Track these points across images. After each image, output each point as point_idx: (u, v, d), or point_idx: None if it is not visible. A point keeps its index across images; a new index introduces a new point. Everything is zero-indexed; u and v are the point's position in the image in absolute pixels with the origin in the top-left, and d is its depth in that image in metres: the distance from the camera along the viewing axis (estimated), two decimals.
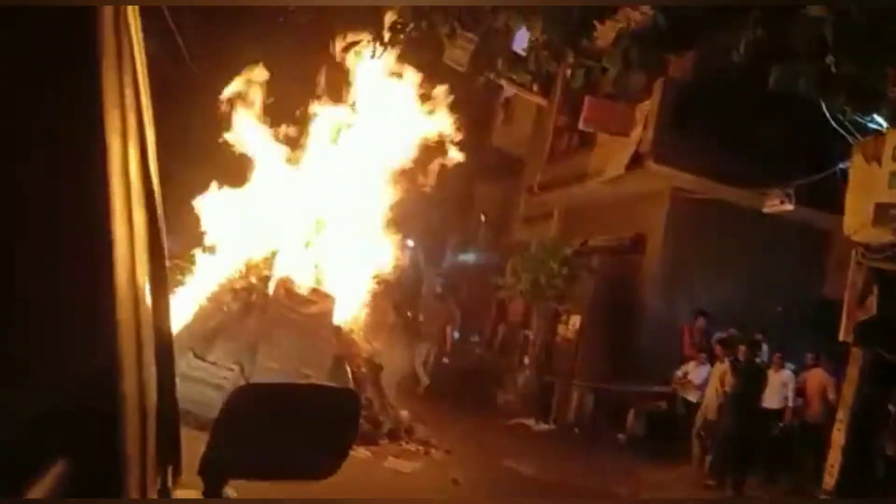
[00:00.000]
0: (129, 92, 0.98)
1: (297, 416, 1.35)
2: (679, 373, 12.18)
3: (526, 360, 13.83)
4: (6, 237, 0.80)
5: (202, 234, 9.65)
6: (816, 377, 10.56)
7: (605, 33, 5.99)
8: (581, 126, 12.80)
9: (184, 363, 8.19)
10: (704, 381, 11.67)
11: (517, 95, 20.39)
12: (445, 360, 15.74)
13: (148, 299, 1.03)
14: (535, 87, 5.50)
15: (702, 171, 12.70)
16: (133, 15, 1.02)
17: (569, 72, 5.63)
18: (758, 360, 10.06)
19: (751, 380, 9.70)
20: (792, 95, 12.37)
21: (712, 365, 11.26)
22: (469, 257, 24.58)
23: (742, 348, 9.92)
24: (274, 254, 9.55)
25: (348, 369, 9.31)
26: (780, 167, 12.30)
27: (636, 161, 12.91)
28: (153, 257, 1.07)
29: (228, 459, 1.30)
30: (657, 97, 12.65)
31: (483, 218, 24.72)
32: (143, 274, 0.99)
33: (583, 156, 15.05)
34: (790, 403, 10.36)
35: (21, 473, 0.77)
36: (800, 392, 10.97)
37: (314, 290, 9.44)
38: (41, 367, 0.83)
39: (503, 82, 8.50)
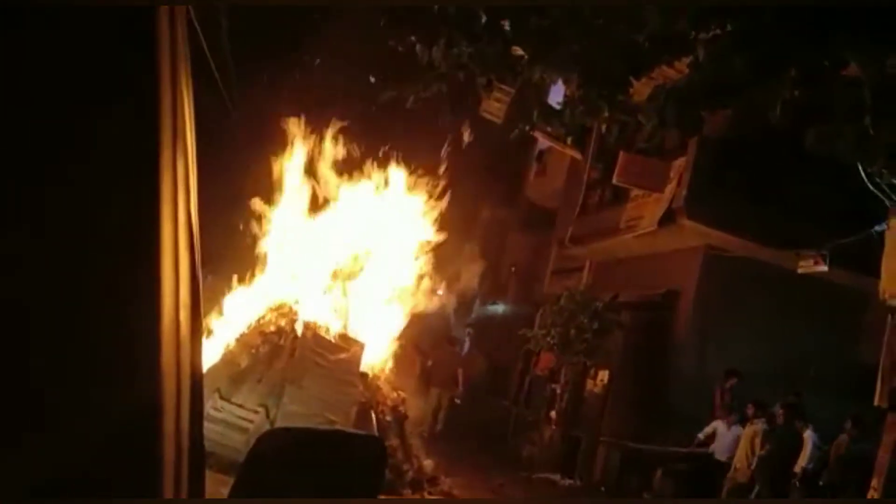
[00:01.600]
0: (180, 120, 1.00)
1: (323, 461, 1.36)
2: (701, 435, 11.98)
3: (553, 414, 13.65)
4: (59, 269, 0.83)
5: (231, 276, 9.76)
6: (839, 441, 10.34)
7: (640, 89, 6.04)
8: (615, 181, 12.83)
9: (209, 404, 8.22)
10: (733, 442, 11.50)
11: (551, 148, 20.53)
12: (457, 401, 15.71)
13: (187, 342, 1.04)
14: (569, 141, 5.54)
15: (735, 229, 12.62)
16: (181, 23, 1.03)
17: (604, 127, 5.66)
18: (797, 423, 9.80)
19: (786, 443, 9.47)
20: (828, 156, 12.40)
21: (743, 426, 11.05)
22: (498, 308, 24.49)
23: (780, 411, 9.69)
24: (304, 297, 9.60)
25: (373, 416, 9.25)
26: (814, 228, 12.19)
27: (669, 217, 12.88)
28: (192, 298, 1.09)
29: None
30: (692, 154, 12.66)
31: (513, 269, 24.70)
32: (185, 316, 1.01)
33: (615, 210, 15.04)
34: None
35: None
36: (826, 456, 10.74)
37: (343, 336, 9.45)
38: (87, 407, 0.85)
39: (538, 134, 8.53)
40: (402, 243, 10.37)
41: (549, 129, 5.47)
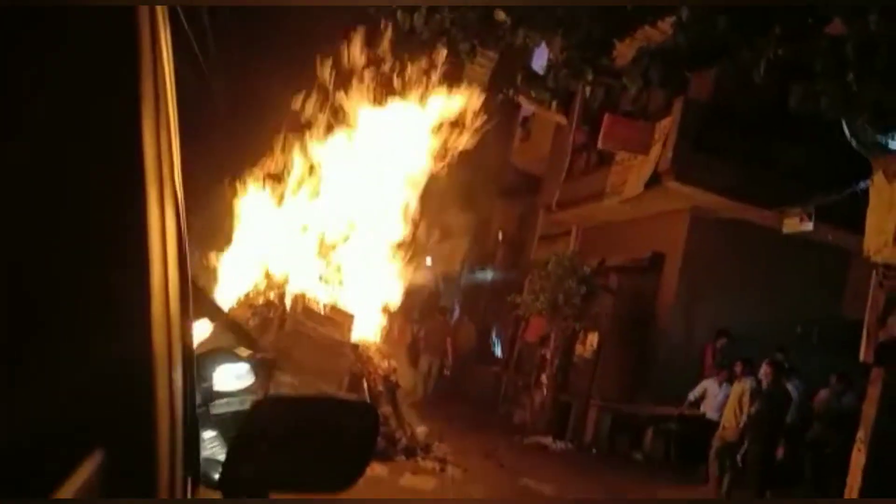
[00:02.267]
0: (162, 100, 1.01)
1: (315, 428, 1.37)
2: (691, 396, 12.07)
3: (543, 379, 13.75)
4: (49, 245, 0.84)
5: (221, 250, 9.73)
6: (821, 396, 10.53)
7: (624, 52, 6.00)
8: (600, 144, 12.80)
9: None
10: (724, 401, 11.60)
11: (536, 114, 20.45)
12: (446, 371, 15.83)
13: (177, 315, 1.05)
14: (553, 105, 5.49)
15: (721, 189, 12.66)
16: (163, 20, 1.04)
17: (588, 90, 5.62)
18: (784, 380, 9.91)
19: (775, 401, 9.58)
20: (812, 115, 12.41)
21: (732, 385, 11.17)
22: (486, 276, 24.56)
23: (766, 369, 9.80)
24: (290, 272, 9.59)
25: (365, 386, 9.30)
26: (799, 186, 12.25)
27: (655, 179, 12.89)
28: (180, 272, 1.10)
29: (247, 472, 1.30)
30: (677, 115, 12.64)
31: (500, 236, 24.73)
32: (174, 290, 1.03)
33: (601, 174, 15.05)
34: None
35: (62, 461, 0.81)
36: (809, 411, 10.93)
37: (333, 308, 9.47)
38: (80, 362, 0.86)
39: (522, 100, 8.47)
40: (387, 213, 10.34)
41: (533, 94, 5.42)
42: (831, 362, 12.52)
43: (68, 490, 0.79)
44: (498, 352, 20.28)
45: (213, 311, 3.96)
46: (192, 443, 1.31)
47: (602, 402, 12.81)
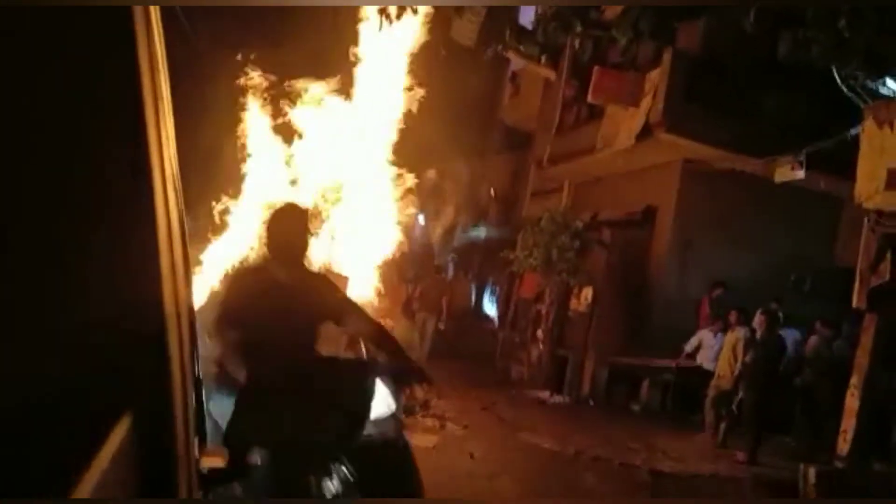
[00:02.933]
0: (161, 91, 1.06)
1: (316, 386, 1.41)
2: (688, 347, 12.16)
3: (539, 334, 13.86)
4: (64, 231, 0.90)
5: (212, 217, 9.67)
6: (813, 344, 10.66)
7: (611, 6, 5.94)
8: (590, 98, 12.72)
9: (199, 347, 8.24)
10: (719, 351, 11.72)
11: (524, 70, 20.28)
12: (441, 325, 15.98)
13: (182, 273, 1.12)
14: (543, 60, 5.39)
15: (712, 140, 12.63)
16: (156, 17, 1.10)
17: (577, 43, 5.56)
18: (777, 330, 10.00)
19: (769, 350, 9.69)
20: (802, 62, 12.33)
21: (724, 334, 11.28)
22: (480, 233, 24.58)
23: (760, 318, 9.89)
24: None
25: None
26: (790, 134, 12.24)
27: (646, 132, 12.85)
28: (181, 232, 1.21)
29: (252, 429, 1.32)
30: (666, 67, 12.55)
31: (493, 193, 24.71)
32: (178, 249, 1.09)
33: (591, 128, 14.98)
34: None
35: (96, 420, 0.87)
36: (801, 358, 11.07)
37: (327, 270, 9.44)
38: (101, 331, 0.91)
39: (511, 55, 8.36)
40: (376, 172, 10.25)
41: (522, 48, 5.33)
42: (823, 310, 12.68)
43: (106, 453, 0.86)
44: (493, 309, 20.39)
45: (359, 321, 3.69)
46: (199, 403, 1.41)
47: (598, 355, 12.91)
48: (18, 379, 0.81)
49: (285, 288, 3.39)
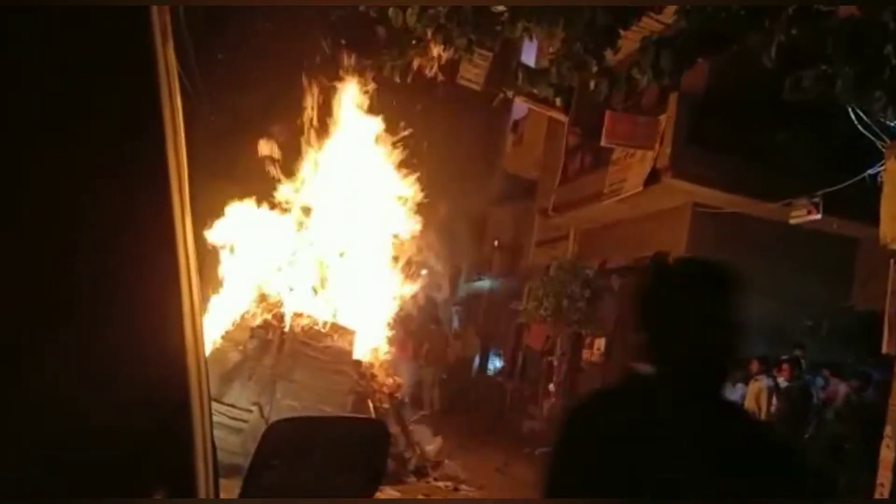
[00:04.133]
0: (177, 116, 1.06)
1: (326, 445, 1.41)
2: None
3: (551, 387, 13.42)
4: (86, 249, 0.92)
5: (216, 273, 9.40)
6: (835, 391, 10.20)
7: (623, 44, 5.72)
8: (603, 142, 12.40)
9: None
10: (738, 401, 11.36)
11: (527, 117, 20.21)
12: (444, 375, 15.61)
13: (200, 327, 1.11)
14: (558, 102, 5.23)
15: (722, 184, 12.38)
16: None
17: (592, 84, 5.33)
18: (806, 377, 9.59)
19: (796, 400, 9.27)
20: (809, 102, 12.16)
21: (746, 384, 10.89)
22: (484, 284, 24.26)
23: (784, 367, 9.49)
24: (289, 289, 9.25)
25: (370, 406, 8.96)
26: (802, 176, 12.02)
27: (654, 177, 12.61)
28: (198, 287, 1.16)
29: (266, 492, 1.33)
30: (672, 111, 12.37)
31: (496, 243, 24.46)
32: (200, 317, 1.08)
33: (598, 175, 14.75)
34: None
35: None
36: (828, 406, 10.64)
37: (333, 325, 9.12)
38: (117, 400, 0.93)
39: (522, 99, 8.14)
40: (381, 228, 10.02)
41: (536, 90, 5.12)
42: (843, 355, 12.28)
43: None
44: (497, 362, 19.94)
45: None
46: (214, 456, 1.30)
47: None
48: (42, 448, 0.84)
49: None
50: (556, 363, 13.30)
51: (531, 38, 4.85)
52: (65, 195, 0.90)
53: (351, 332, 9.20)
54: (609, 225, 15.96)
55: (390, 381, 9.69)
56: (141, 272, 0.97)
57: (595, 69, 5.03)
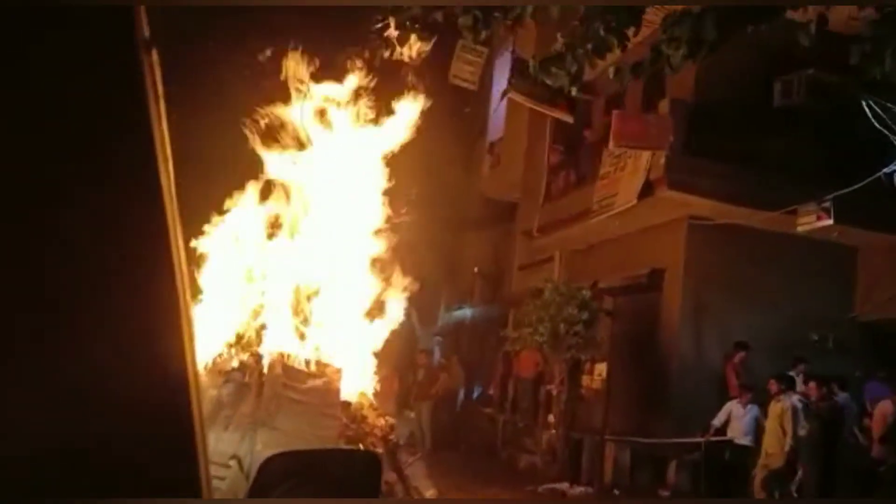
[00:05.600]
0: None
1: (323, 478, 1.41)
2: (716, 421, 11.03)
3: (551, 418, 12.58)
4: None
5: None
6: (884, 409, 9.43)
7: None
8: (612, 145, 11.56)
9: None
10: (751, 423, 10.61)
11: (503, 138, 19.60)
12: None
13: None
14: (574, 91, 4.60)
15: (720, 194, 11.77)
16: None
17: (611, 71, 4.63)
18: (835, 396, 8.85)
19: (827, 419, 8.51)
20: (799, 107, 11.66)
21: (761, 404, 10.19)
22: (465, 313, 23.46)
23: (812, 385, 8.75)
24: (263, 327, 8.34)
25: (361, 448, 8.05)
26: (805, 182, 11.50)
27: (647, 190, 11.95)
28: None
29: None
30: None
31: (476, 270, 23.71)
32: (188, 302, 1.11)
33: (584, 191, 14.08)
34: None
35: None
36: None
37: (317, 363, 8.22)
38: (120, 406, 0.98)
39: (523, 99, 7.37)
40: (358, 256, 9.15)
41: (550, 81, 4.42)
42: (849, 368, 11.68)
43: None
44: (484, 393, 19.03)
45: None
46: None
47: (618, 436, 11.66)
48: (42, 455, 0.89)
49: None
50: (555, 392, 12.46)
51: (548, 14, 4.11)
52: (48, 198, 0.93)
53: (337, 370, 8.30)
54: (598, 244, 15.29)
55: (382, 421, 8.77)
56: (132, 277, 0.99)
57: (618, 50, 4.32)
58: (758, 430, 10.58)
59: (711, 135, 11.65)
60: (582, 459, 12.21)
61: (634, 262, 13.77)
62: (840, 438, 8.70)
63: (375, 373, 9.05)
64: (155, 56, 1.02)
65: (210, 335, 8.23)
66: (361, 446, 8.11)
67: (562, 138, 16.48)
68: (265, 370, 8.06)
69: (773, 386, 9.47)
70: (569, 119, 7.47)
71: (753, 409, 10.78)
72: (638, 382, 12.29)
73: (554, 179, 15.98)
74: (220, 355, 8.21)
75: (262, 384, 7.98)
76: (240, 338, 8.28)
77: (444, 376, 17.23)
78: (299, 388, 7.98)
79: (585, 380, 12.32)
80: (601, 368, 12.02)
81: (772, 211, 11.60)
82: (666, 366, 12.50)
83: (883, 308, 12.84)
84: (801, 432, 8.58)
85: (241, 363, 8.11)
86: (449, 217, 21.98)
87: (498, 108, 19.56)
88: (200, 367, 8.17)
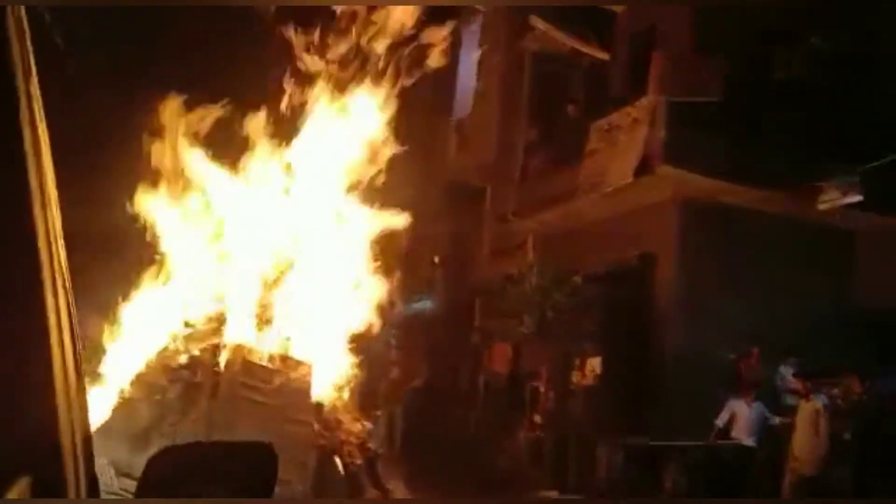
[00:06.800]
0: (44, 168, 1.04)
1: (214, 473, 1.36)
2: (719, 422, 10.15)
3: (538, 418, 11.42)
4: None
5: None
6: None
7: None
8: (651, 92, 10.17)
9: (103, 482, 5.52)
10: (758, 423, 9.88)
11: (472, 115, 18.38)
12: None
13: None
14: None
15: (722, 172, 10.73)
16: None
17: None
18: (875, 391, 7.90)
19: (868, 417, 7.52)
20: (804, 79, 10.78)
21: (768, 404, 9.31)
22: (425, 305, 22.17)
23: (854, 379, 7.75)
24: (222, 314, 6.96)
25: (339, 463, 6.77)
26: (807, 161, 10.60)
27: (644, 166, 10.86)
28: (72, 343, 1.14)
29: None
30: None
31: (437, 259, 22.43)
32: (70, 362, 1.08)
33: (568, 170, 12.93)
34: None
35: None
36: None
37: (283, 358, 6.87)
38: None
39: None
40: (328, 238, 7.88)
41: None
42: (846, 359, 10.86)
43: None
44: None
45: None
46: None
47: (611, 437, 10.57)
48: None
49: None
50: (542, 388, 11.29)
51: None
52: None
53: (307, 365, 6.97)
54: (575, 229, 14.17)
55: (358, 426, 7.49)
56: None
57: None
58: (764, 430, 9.88)
59: (715, 107, 10.61)
60: (568, 463, 11.09)
61: (618, 248, 12.71)
62: (879, 436, 7.73)
63: (355, 365, 7.71)
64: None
65: (155, 323, 6.82)
66: (338, 459, 6.82)
67: (538, 114, 15.39)
68: (221, 366, 6.69)
69: (799, 385, 8.47)
70: (604, 56, 6.28)
71: (759, 408, 10.02)
72: (629, 379, 11.22)
73: (531, 158, 14.82)
74: (165, 349, 6.82)
75: (217, 384, 6.61)
76: (191, 327, 6.89)
77: (396, 371, 16.01)
78: (263, 388, 6.63)
79: (576, 376, 11.18)
80: (594, 363, 10.89)
81: (776, 190, 10.65)
82: (658, 359, 11.47)
83: (883, 295, 12.04)
84: (846, 436, 7.56)
85: (192, 358, 6.73)
86: (408, 203, 20.74)
87: (464, 84, 18.38)
88: (141, 363, 6.79)
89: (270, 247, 7.58)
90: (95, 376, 6.74)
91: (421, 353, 18.01)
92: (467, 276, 19.89)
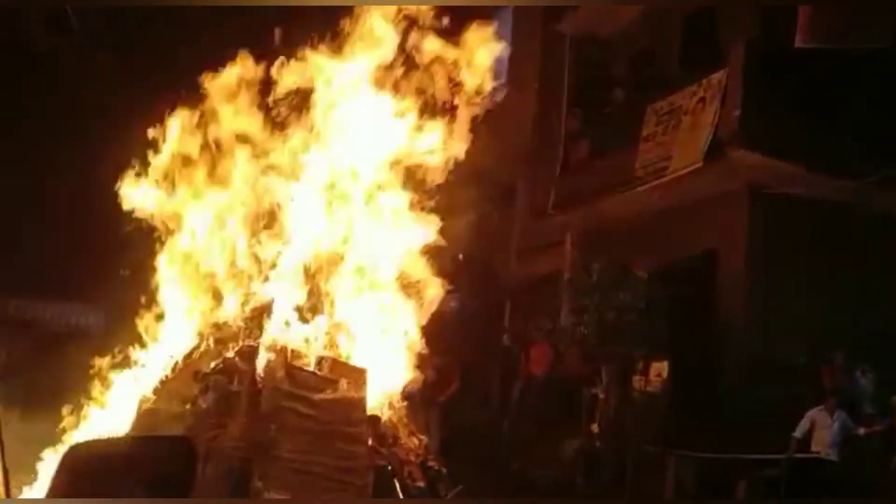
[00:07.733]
0: None
1: (131, 467, 1.25)
2: (797, 433, 9.33)
3: (595, 427, 10.43)
4: None
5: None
6: None
7: None
8: (798, 43, 9.02)
9: None
10: (839, 434, 9.23)
11: (503, 102, 17.39)
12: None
13: None
14: None
15: (805, 159, 9.69)
16: None
17: None
18: None
19: None
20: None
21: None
22: (450, 305, 21.18)
23: None
24: (265, 308, 5.92)
25: (398, 487, 5.74)
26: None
27: (716, 150, 9.85)
28: None
29: None
30: (738, 63, 9.65)
31: (461, 257, 21.38)
32: None
33: (621, 157, 11.91)
34: None
35: None
36: None
37: (333, 362, 5.84)
38: None
39: None
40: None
41: None
42: None
43: None
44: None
45: None
46: None
47: (682, 451, 9.60)
48: None
49: None
50: (602, 395, 10.28)
51: None
52: None
53: (361, 371, 5.94)
54: (618, 224, 13.11)
55: (415, 440, 6.46)
56: None
57: None
58: (846, 441, 9.22)
59: (795, 85, 9.58)
60: (626, 477, 10.10)
61: (673, 244, 11.69)
62: None
63: (416, 367, 6.66)
64: None
65: (185, 322, 5.81)
66: (397, 483, 5.79)
67: (578, 102, 14.41)
68: (260, 373, 5.66)
69: None
70: None
71: (842, 416, 9.29)
72: (694, 387, 10.21)
73: (573, 147, 13.83)
74: (195, 349, 5.81)
75: (256, 393, 5.58)
76: (225, 328, 5.87)
77: (433, 375, 15.03)
78: (311, 398, 5.59)
79: (638, 382, 10.18)
80: (659, 367, 9.89)
81: (863, 180, 9.63)
82: (725, 367, 10.48)
83: None
84: None
85: (227, 362, 5.70)
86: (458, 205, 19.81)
87: (496, 71, 17.40)
88: (167, 368, 5.79)
89: (320, 240, 6.58)
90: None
91: (454, 356, 17.08)
92: (493, 276, 18.99)
